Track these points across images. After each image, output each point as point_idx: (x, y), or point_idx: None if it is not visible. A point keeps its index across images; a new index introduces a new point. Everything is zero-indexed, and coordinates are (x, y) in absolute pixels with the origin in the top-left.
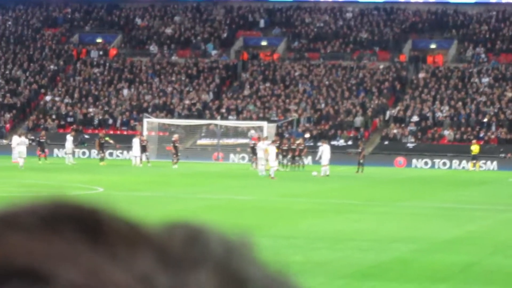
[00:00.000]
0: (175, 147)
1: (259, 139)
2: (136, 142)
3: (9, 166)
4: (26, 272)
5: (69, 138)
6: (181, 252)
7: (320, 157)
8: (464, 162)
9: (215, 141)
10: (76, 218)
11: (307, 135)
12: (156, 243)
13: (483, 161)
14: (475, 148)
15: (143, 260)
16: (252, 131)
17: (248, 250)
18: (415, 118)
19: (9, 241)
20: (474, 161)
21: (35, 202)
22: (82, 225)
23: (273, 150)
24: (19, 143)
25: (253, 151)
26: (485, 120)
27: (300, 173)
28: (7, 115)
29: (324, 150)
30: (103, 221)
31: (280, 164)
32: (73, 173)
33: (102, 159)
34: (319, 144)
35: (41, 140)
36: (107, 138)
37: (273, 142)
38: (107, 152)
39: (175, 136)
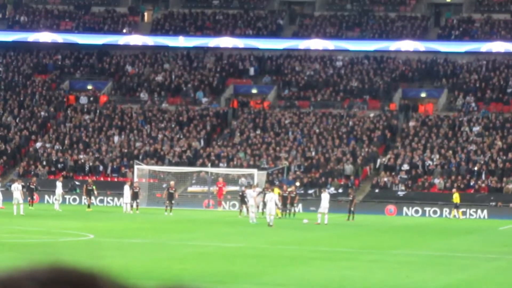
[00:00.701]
0: (170, 194)
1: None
2: (127, 189)
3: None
4: None
5: (58, 184)
6: None
7: (320, 205)
8: (455, 210)
9: (205, 188)
10: (74, 283)
11: (297, 183)
12: None
13: (474, 210)
14: (455, 197)
15: None
16: (243, 179)
17: None
18: (406, 167)
19: None
20: (457, 209)
21: (33, 266)
22: None
23: (274, 197)
24: (15, 189)
25: (242, 199)
26: (476, 168)
27: (291, 221)
28: None
29: (325, 198)
30: (99, 285)
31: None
32: (64, 219)
33: (89, 205)
34: (310, 191)
35: (31, 186)
36: (94, 187)
37: (271, 190)
38: (98, 199)
39: (172, 183)
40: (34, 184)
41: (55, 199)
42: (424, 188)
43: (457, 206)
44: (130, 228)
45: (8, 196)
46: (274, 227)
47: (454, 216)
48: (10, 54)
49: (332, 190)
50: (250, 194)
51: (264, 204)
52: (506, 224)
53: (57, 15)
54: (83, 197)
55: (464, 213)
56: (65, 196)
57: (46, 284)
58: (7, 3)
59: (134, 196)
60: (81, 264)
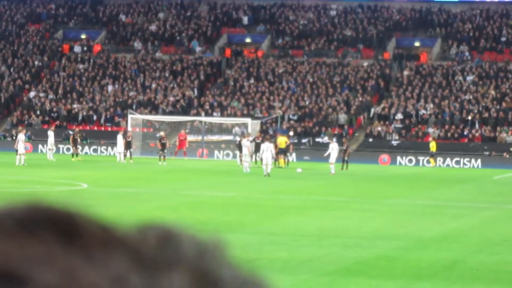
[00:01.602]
0: (163, 144)
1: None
2: (120, 138)
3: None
4: (2, 275)
5: (51, 133)
6: (154, 253)
7: (329, 155)
8: (448, 159)
9: (199, 138)
10: (52, 221)
11: (291, 133)
12: (130, 245)
13: (467, 159)
14: (432, 145)
15: (117, 262)
16: (237, 128)
17: (220, 251)
18: (399, 116)
19: None
20: (432, 158)
21: (10, 205)
22: (57, 227)
23: (270, 147)
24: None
25: (240, 148)
26: (469, 118)
27: (285, 170)
28: None
29: (334, 148)
30: (78, 223)
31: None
32: (57, 169)
33: (76, 155)
34: (304, 141)
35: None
36: (79, 136)
37: (267, 140)
38: (91, 148)
39: (162, 133)
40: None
41: (48, 149)
42: (418, 137)
43: (432, 155)
44: (124, 177)
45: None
46: (270, 177)
47: (429, 163)
48: (3, 4)
49: (325, 139)
50: (244, 143)
51: (257, 153)
52: (500, 174)
53: None
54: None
55: (458, 163)
56: (59, 146)
57: (23, 221)
58: None
59: (127, 145)
60: (60, 204)
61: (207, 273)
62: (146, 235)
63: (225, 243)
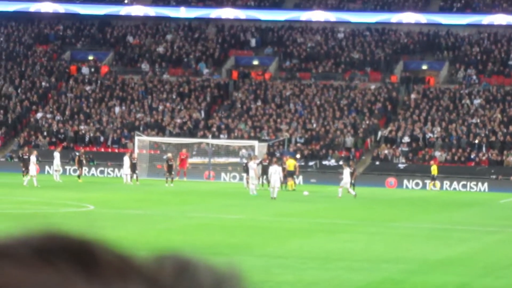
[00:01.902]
0: (169, 166)
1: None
2: (126, 159)
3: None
4: None
5: (56, 154)
6: (171, 283)
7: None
8: (455, 183)
9: (206, 160)
10: (70, 250)
11: (298, 155)
12: (147, 275)
13: (474, 183)
14: (433, 169)
15: None
16: (244, 151)
17: (237, 280)
18: (406, 139)
19: (3, 272)
20: (433, 181)
21: (28, 233)
22: (75, 256)
23: (278, 170)
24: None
25: (246, 170)
26: (476, 141)
27: (291, 193)
28: None
29: (346, 173)
30: (96, 252)
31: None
32: (64, 190)
33: (79, 176)
34: (310, 163)
35: (24, 157)
36: (84, 157)
37: (276, 162)
38: (98, 170)
39: (170, 155)
40: (27, 154)
41: (54, 170)
42: (424, 160)
43: (434, 178)
44: (130, 199)
45: (7, 167)
46: (276, 199)
47: (431, 188)
48: (11, 24)
49: (332, 162)
50: (251, 166)
51: (264, 176)
52: (506, 197)
53: None
54: (84, 168)
55: (464, 186)
56: (66, 167)
57: (40, 250)
58: None
59: (133, 167)
60: (77, 232)
61: None
62: (162, 264)
63: (241, 272)
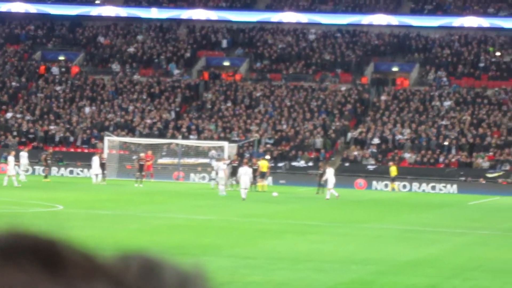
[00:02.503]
0: (141, 166)
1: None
2: (95, 160)
3: None
4: None
5: (24, 154)
6: (136, 283)
7: (326, 181)
8: (424, 184)
9: (176, 160)
10: (35, 249)
11: (267, 156)
12: (112, 275)
13: (443, 184)
14: (392, 170)
15: None
16: (213, 151)
17: (202, 281)
18: (376, 141)
19: None
20: (394, 183)
21: None
22: (40, 256)
23: (248, 171)
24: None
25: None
26: (446, 143)
27: (261, 194)
28: None
29: (330, 173)
30: (61, 252)
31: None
32: (33, 190)
33: (46, 176)
34: (280, 164)
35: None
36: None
37: (246, 163)
38: (67, 170)
39: (142, 154)
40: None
41: (22, 170)
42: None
43: (393, 179)
44: (100, 199)
45: None
46: (246, 200)
47: (393, 189)
48: None
49: (302, 163)
50: (220, 166)
51: (233, 177)
52: (475, 199)
53: None
54: (54, 168)
55: (433, 188)
56: (35, 167)
57: (5, 250)
58: None
59: (101, 167)
60: (42, 232)
61: None
62: (128, 264)
63: (206, 272)
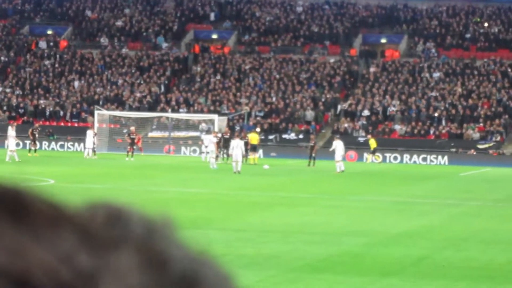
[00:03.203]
0: (132, 139)
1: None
2: (89, 134)
3: None
4: None
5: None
6: (102, 232)
7: (334, 152)
8: (415, 156)
9: (166, 134)
10: None
11: (258, 129)
12: (78, 223)
13: (434, 156)
14: (371, 143)
15: (65, 240)
16: (203, 124)
17: (169, 230)
18: (366, 113)
19: None
20: (373, 155)
21: None
22: (4, 205)
23: (240, 144)
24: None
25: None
26: (436, 115)
27: (252, 167)
28: None
29: (338, 146)
30: (25, 201)
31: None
32: (24, 164)
33: (34, 150)
34: (270, 137)
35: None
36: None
37: (237, 136)
38: (58, 144)
39: (132, 128)
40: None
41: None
42: (384, 134)
43: (373, 152)
44: (91, 173)
45: None
46: (240, 173)
47: (372, 161)
48: None
49: (292, 135)
50: (210, 139)
51: (225, 149)
52: (466, 170)
53: None
54: (44, 142)
55: (424, 160)
56: (25, 142)
57: None
58: None
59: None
60: (7, 181)
61: (156, 252)
62: (94, 213)
63: (174, 221)
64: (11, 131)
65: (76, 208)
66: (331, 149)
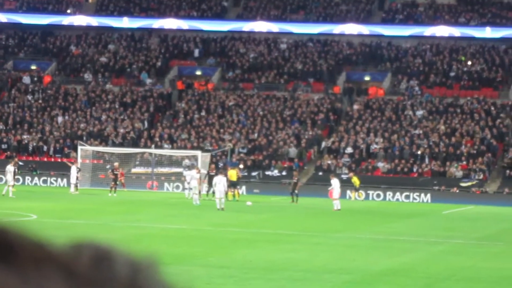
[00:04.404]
0: (115, 175)
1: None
2: (74, 169)
3: None
4: None
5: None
6: (88, 272)
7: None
8: (398, 194)
9: (149, 170)
10: None
11: (241, 165)
12: (63, 263)
13: (417, 194)
14: (354, 180)
15: (51, 280)
16: (187, 160)
17: (154, 271)
18: (349, 150)
19: None
20: (357, 192)
21: None
22: None
23: (222, 180)
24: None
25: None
26: (419, 152)
27: (235, 203)
28: None
29: (335, 184)
30: (12, 240)
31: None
32: (6, 199)
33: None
34: (253, 174)
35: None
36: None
37: (221, 173)
38: (41, 180)
39: (116, 164)
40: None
41: None
42: (367, 171)
43: (357, 189)
44: (74, 208)
45: None
46: (224, 210)
47: (355, 198)
48: None
49: (275, 172)
50: (193, 175)
51: (210, 187)
52: (449, 208)
53: None
54: (27, 177)
55: (407, 197)
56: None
57: None
58: None
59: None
60: None
61: None
62: (80, 252)
63: (158, 261)
64: (10, 167)
65: (61, 247)
66: (330, 188)
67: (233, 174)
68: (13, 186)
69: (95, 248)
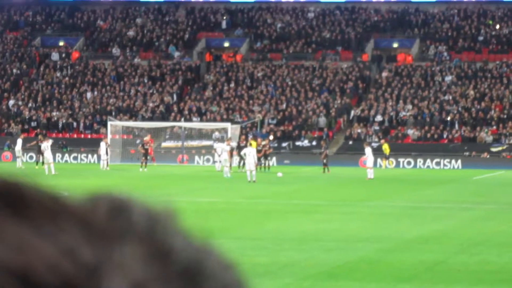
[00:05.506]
0: (146, 149)
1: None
2: (103, 145)
3: None
4: None
5: (19, 141)
6: (105, 224)
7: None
8: (428, 161)
9: (179, 144)
10: None
11: (271, 137)
12: (80, 216)
13: (447, 160)
14: (385, 148)
15: (67, 233)
16: (217, 133)
17: (172, 220)
18: (379, 118)
19: None
20: (387, 160)
21: None
22: (5, 199)
23: (252, 152)
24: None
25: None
26: (449, 118)
27: (265, 175)
28: None
29: (368, 153)
30: (26, 194)
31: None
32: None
33: (38, 162)
34: (284, 144)
35: (39, 144)
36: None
37: (251, 144)
38: (71, 156)
39: (147, 138)
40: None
41: (16, 157)
42: (397, 139)
43: (387, 157)
44: (105, 185)
45: None
46: (256, 182)
47: (386, 166)
48: None
49: (305, 142)
50: (223, 148)
51: (241, 159)
52: (480, 174)
53: None
54: (58, 154)
55: (438, 164)
56: (31, 154)
57: None
58: None
59: (106, 152)
60: (6, 174)
61: (159, 243)
62: (96, 205)
63: (176, 211)
64: (45, 144)
65: (77, 200)
66: (365, 156)
67: (253, 145)
68: (52, 162)
69: (111, 200)
